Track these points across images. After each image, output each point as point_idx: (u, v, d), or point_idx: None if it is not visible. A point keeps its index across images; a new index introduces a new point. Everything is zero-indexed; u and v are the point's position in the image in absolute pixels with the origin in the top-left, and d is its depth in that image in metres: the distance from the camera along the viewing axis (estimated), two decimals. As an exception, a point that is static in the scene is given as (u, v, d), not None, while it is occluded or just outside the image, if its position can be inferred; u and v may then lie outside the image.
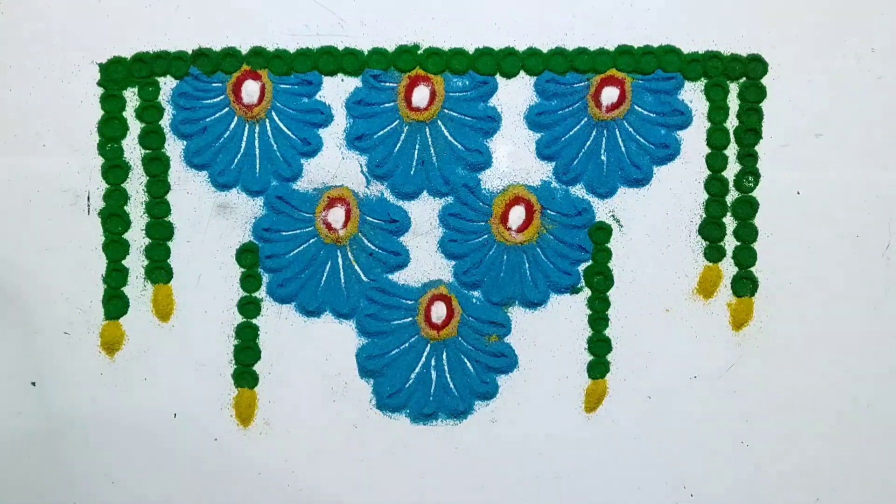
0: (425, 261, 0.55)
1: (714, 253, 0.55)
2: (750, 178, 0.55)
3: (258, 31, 0.54)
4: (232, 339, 0.55)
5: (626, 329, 0.55)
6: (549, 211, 0.55)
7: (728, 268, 0.55)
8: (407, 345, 0.55)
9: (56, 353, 0.55)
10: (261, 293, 0.55)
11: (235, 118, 0.55)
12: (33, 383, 0.55)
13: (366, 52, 0.54)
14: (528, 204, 0.55)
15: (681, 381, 0.55)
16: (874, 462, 0.56)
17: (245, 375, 0.55)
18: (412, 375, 0.55)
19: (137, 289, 0.55)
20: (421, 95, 0.54)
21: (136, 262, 0.55)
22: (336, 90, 0.55)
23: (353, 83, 0.55)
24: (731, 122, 0.55)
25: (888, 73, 0.55)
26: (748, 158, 0.55)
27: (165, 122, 0.55)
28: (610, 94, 0.54)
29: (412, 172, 0.55)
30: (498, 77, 0.55)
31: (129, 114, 0.54)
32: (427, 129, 0.55)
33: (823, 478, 0.56)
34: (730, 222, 0.55)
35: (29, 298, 0.54)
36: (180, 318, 0.55)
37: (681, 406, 0.55)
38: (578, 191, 0.55)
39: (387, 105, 0.55)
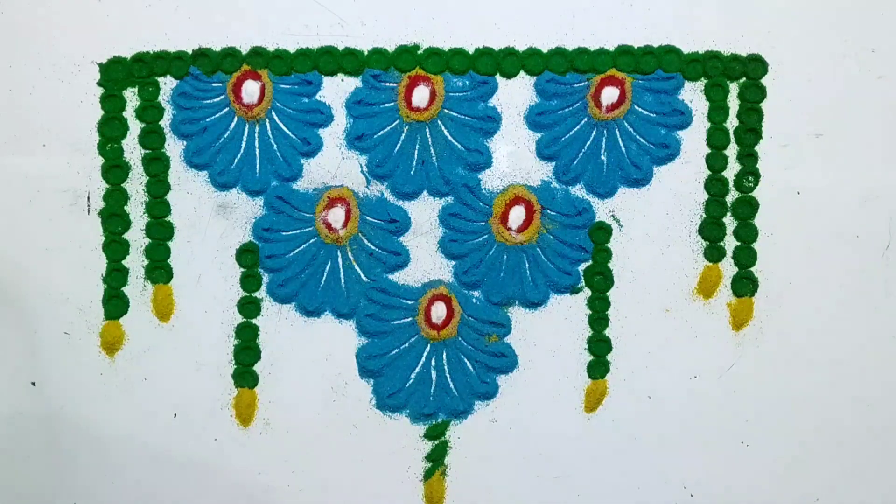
0: (425, 261, 0.55)
1: (714, 253, 0.55)
2: (750, 178, 0.55)
3: (258, 31, 0.54)
4: (232, 339, 0.55)
5: (626, 329, 0.55)
6: (549, 211, 0.55)
7: (728, 268, 0.55)
8: (407, 345, 0.55)
9: (56, 353, 0.55)
10: (261, 293, 0.55)
11: (235, 118, 0.55)
12: (33, 383, 0.55)
13: (366, 52, 0.54)
14: (528, 204, 0.55)
15: (681, 381, 0.55)
16: (874, 462, 0.56)
17: (245, 375, 0.55)
18: (412, 375, 0.55)
19: (137, 289, 0.55)
20: (421, 95, 0.54)
21: (136, 262, 0.55)
22: (336, 90, 0.55)
23: (353, 83, 0.55)
24: (731, 122, 0.55)
25: (888, 73, 0.55)
26: (748, 158, 0.55)
27: (165, 122, 0.55)
28: (610, 94, 0.54)
29: (412, 172, 0.55)
30: (498, 77, 0.55)
31: (129, 114, 0.54)
32: (427, 129, 0.55)
33: (823, 478, 0.56)
34: (730, 222, 0.55)
35: (29, 298, 0.54)
36: (180, 318, 0.55)
37: (681, 406, 0.55)
38: (578, 191, 0.55)
39: (387, 105, 0.55)
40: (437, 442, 0.55)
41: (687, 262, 0.55)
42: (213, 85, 0.54)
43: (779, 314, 0.55)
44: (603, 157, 0.55)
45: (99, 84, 0.54)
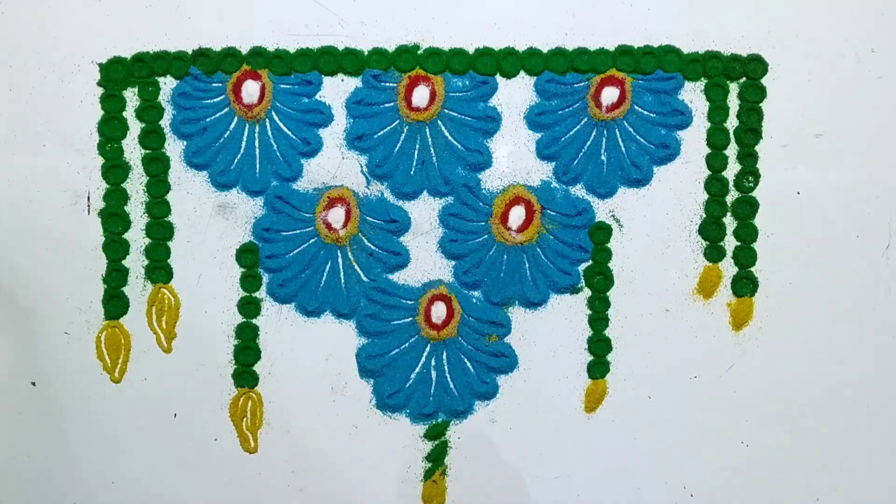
0: (425, 261, 0.55)
1: (714, 253, 0.55)
2: (750, 178, 0.55)
3: (258, 31, 0.54)
4: (232, 339, 0.55)
5: (626, 329, 0.55)
6: (549, 211, 0.55)
7: (728, 268, 0.55)
8: (407, 345, 0.55)
9: (56, 353, 0.55)
10: (261, 293, 0.55)
11: (235, 118, 0.55)
12: (33, 383, 0.55)
13: (366, 52, 0.54)
14: (528, 204, 0.55)
15: (681, 381, 0.55)
16: (874, 462, 0.56)
17: (245, 375, 0.55)
18: (412, 375, 0.55)
19: (137, 289, 0.55)
20: (421, 95, 0.54)
21: (136, 262, 0.55)
22: (336, 90, 0.55)
23: (353, 83, 0.55)
24: (731, 122, 0.55)
25: (888, 73, 0.55)
26: (748, 158, 0.55)
27: (165, 122, 0.55)
28: (610, 94, 0.54)
29: (412, 172, 0.55)
30: (498, 77, 0.55)
31: (129, 114, 0.54)
32: (427, 129, 0.55)
33: (823, 478, 0.56)
34: (730, 222, 0.55)
35: (29, 298, 0.54)
36: (180, 319, 0.55)
37: (681, 406, 0.55)
38: (578, 191, 0.55)
39: (387, 105, 0.55)
40: (437, 442, 0.55)
41: (687, 262, 0.55)
42: (213, 85, 0.54)
43: (779, 314, 0.55)
44: (603, 157, 0.55)
45: (99, 84, 0.54)
